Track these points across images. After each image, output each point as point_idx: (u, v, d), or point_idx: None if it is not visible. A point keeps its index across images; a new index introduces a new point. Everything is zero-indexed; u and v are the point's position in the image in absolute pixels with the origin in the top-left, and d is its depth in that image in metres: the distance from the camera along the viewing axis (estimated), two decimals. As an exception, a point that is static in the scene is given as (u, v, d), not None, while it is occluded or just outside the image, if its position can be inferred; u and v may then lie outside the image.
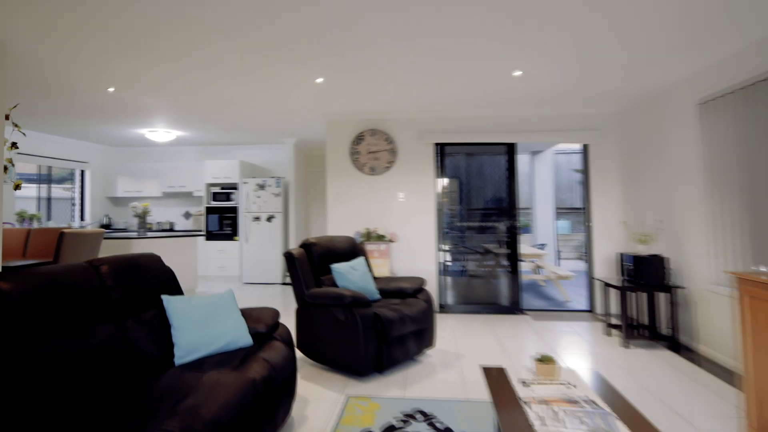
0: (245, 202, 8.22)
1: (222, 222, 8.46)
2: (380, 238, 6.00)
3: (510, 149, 6.20)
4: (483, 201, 6.52)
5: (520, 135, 6.05)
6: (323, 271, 4.30)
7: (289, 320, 5.08)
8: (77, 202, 8.68)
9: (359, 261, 4.39)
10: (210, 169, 8.55)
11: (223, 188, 8.56)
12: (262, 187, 8.20)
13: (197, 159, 9.24)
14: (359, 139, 6.22)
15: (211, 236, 8.47)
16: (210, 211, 8.51)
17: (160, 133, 7.35)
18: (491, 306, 6.28)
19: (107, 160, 9.14)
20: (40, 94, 5.23)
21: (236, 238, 8.42)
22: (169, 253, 6.76)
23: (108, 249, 6.61)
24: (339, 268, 4.17)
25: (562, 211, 13.67)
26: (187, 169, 8.87)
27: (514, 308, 6.20)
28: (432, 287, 6.15)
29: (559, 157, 13.01)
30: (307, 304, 3.98)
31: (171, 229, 8.85)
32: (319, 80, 4.56)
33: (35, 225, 7.42)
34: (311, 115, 6.27)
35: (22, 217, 7.27)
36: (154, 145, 9.02)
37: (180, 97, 5.31)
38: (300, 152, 8.71)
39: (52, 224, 7.72)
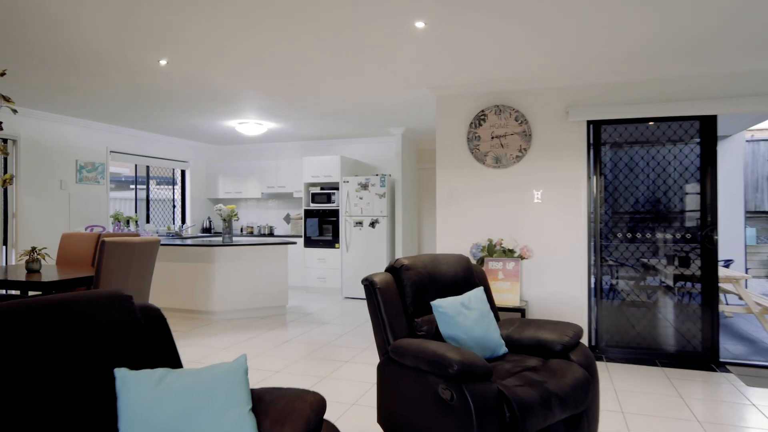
0: (346, 203, 7.10)
1: (322, 227, 7.43)
2: (508, 253, 4.39)
3: (706, 126, 4.20)
4: (653, 202, 4.58)
5: (726, 103, 4.03)
6: (420, 308, 2.86)
7: (368, 373, 3.72)
8: (178, 203, 8.28)
9: (476, 295, 2.87)
10: (309, 166, 7.58)
11: (322, 188, 7.54)
12: (364, 186, 7.01)
13: (297, 156, 8.37)
14: (480, 119, 4.68)
15: (309, 243, 7.49)
16: (309, 214, 7.53)
17: (251, 126, 6.50)
18: (669, 354, 4.34)
19: (207, 160, 8.65)
20: (97, 78, 4.51)
21: (337, 245, 7.34)
22: (257, 262, 5.83)
23: (182, 257, 5.86)
24: (444, 307, 2.70)
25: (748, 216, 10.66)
26: (287, 167, 8.02)
27: (708, 359, 4.20)
28: (580, 320, 4.39)
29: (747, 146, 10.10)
30: (391, 361, 2.58)
31: (271, 234, 8.06)
32: (420, 24, 3.14)
33: (131, 228, 6.98)
34: (415, 93, 4.87)
35: (117, 219, 6.87)
36: (252, 143, 8.33)
37: (259, 73, 4.25)
38: (410, 144, 7.37)
39: (150, 227, 7.30)
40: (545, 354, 2.75)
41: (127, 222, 6.97)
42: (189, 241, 5.85)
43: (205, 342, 4.78)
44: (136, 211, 7.40)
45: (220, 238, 7.98)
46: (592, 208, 4.44)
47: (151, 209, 7.74)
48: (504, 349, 2.79)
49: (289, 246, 6.48)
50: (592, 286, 4.44)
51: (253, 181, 8.23)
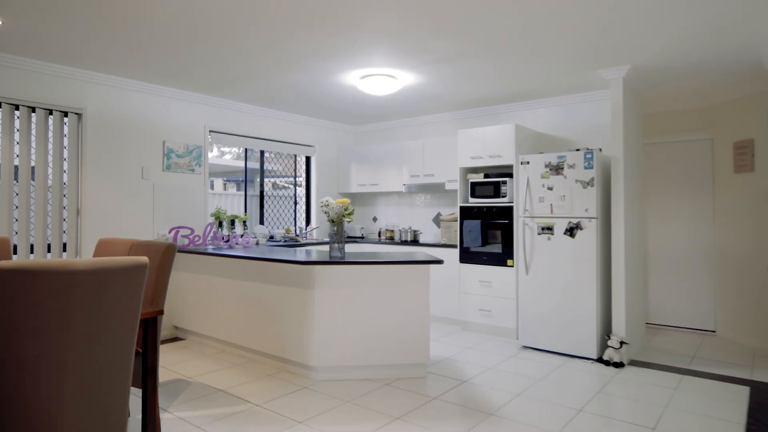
0: (525, 197, 4.53)
1: (486, 232, 4.97)
2: None
3: None
4: None
5: None
6: None
7: None
8: (302, 199, 6.54)
9: None
10: (467, 142, 5.17)
11: (487, 175, 5.06)
12: (556, 168, 4.36)
13: (449, 130, 6.01)
14: None
15: (468, 256, 5.08)
16: (466, 213, 5.12)
17: (379, 81, 4.33)
18: None
19: (338, 144, 6.76)
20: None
21: (510, 262, 4.80)
22: (380, 290, 3.63)
23: (265, 276, 3.92)
24: None
25: None
26: (434, 148, 5.71)
27: None
28: None
29: None
30: None
31: (415, 240, 5.84)
32: None
33: (237, 230, 5.34)
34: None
35: (218, 218, 5.28)
36: (390, 118, 6.19)
37: None
38: (634, 100, 4.50)
39: (261, 230, 5.63)
40: None
41: (232, 223, 5.37)
42: (278, 254, 3.86)
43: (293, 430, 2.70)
44: (245, 210, 5.80)
45: (356, 245, 6.02)
46: None
47: (266, 207, 6.10)
48: None
49: (435, 264, 4.03)
50: None
51: (392, 169, 6.11)
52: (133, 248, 3.06)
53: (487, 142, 5.02)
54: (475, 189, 5.08)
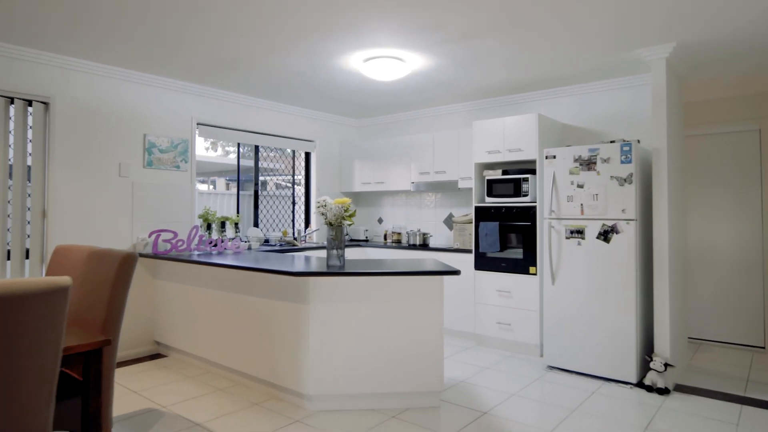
0: (551, 196, 3.98)
1: (505, 236, 4.43)
2: None
3: None
4: None
5: None
6: None
7: None
8: (301, 199, 6.02)
9: None
10: (483, 134, 4.63)
11: (506, 171, 4.52)
12: (587, 163, 3.81)
13: (462, 123, 5.47)
14: None
15: (484, 262, 4.54)
16: (482, 214, 4.58)
17: (385, 64, 3.80)
18: None
19: (340, 138, 6.24)
20: None
21: (533, 269, 4.25)
22: (385, 305, 3.10)
23: (252, 288, 3.43)
24: None
25: None
26: (446, 142, 5.17)
27: None
28: None
29: None
30: None
31: (424, 244, 5.30)
32: None
33: (228, 233, 4.85)
34: None
35: (206, 221, 4.77)
36: (397, 110, 5.66)
37: None
38: (677, 84, 3.93)
39: (254, 233, 5.12)
40: None
41: (222, 225, 4.86)
42: (267, 263, 3.33)
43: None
44: (237, 211, 5.28)
45: (359, 248, 5.49)
46: None
47: (261, 208, 5.59)
48: None
49: (450, 276, 3.46)
50: None
51: (399, 166, 5.57)
52: (89, 258, 2.55)
53: (507, 135, 4.47)
54: (493, 187, 4.54)
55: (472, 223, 4.78)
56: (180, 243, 4.20)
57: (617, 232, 3.65)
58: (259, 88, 4.79)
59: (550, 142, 4.51)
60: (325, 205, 3.26)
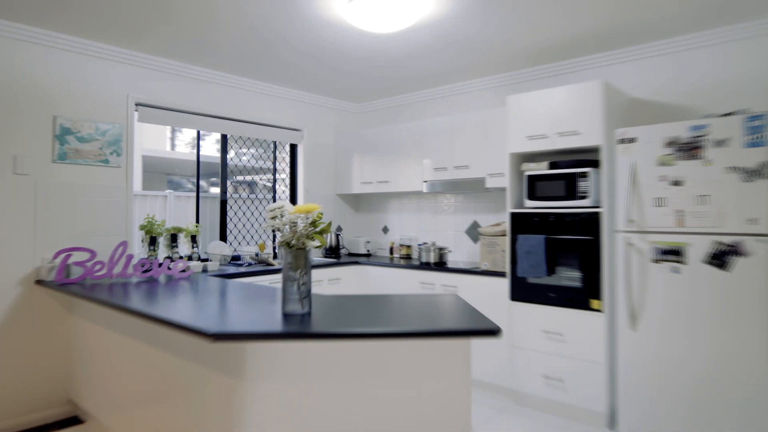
0: (627, 198, 2.69)
1: (554, 255, 3.14)
2: None
3: None
4: None
5: None
6: None
7: None
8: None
9: None
10: (520, 114, 3.35)
11: (555, 164, 3.24)
12: (688, 148, 2.51)
13: (492, 101, 4.19)
14: None
15: (524, 290, 3.26)
16: (521, 223, 3.30)
17: (376, 4, 2.56)
18: None
19: (334, 126, 5.00)
20: None
21: (596, 303, 2.96)
22: (376, 385, 1.85)
23: (158, 335, 2.21)
24: None
25: None
26: (471, 126, 3.90)
27: None
28: None
29: None
30: None
31: (440, 262, 4.03)
32: None
33: (182, 250, 3.67)
34: None
35: (149, 233, 3.58)
36: (407, 89, 4.39)
37: None
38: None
39: (218, 248, 3.92)
40: None
41: (173, 238, 3.67)
42: (170, 310, 2.08)
43: None
44: (197, 220, 4.08)
45: (358, 267, 4.23)
46: None
47: (232, 215, 4.39)
48: None
49: (480, 335, 2.18)
50: None
51: (409, 160, 4.32)
52: None
53: (556, 113, 3.19)
54: (536, 186, 3.26)
55: (506, 235, 3.51)
56: (97, 266, 3.00)
57: (742, 255, 2.35)
58: (224, 58, 3.58)
59: (621, 119, 3.22)
60: (282, 216, 2.03)
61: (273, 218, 2.05)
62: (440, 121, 4.09)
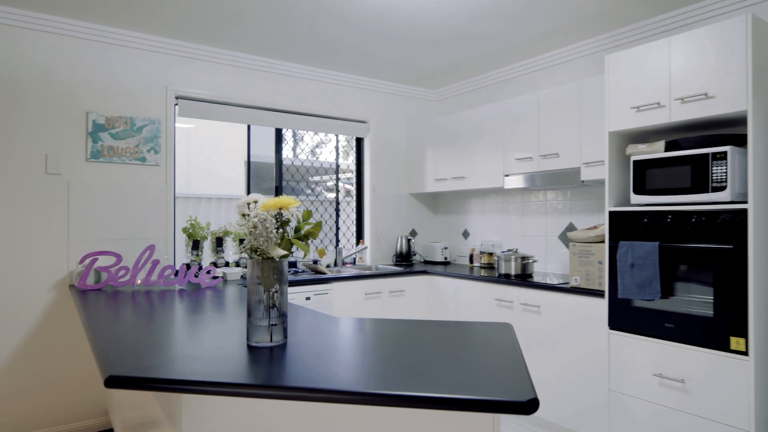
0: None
1: (672, 270, 2.24)
2: None
3: None
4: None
5: None
6: None
7: None
8: (350, 204, 4.33)
9: None
10: (623, 79, 2.48)
11: (674, 143, 2.33)
12: None
13: (585, 69, 3.29)
14: None
15: (626, 317, 2.40)
16: (623, 226, 2.44)
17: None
18: None
19: (407, 116, 4.40)
20: None
21: (737, 343, 2.02)
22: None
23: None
24: None
25: None
26: (560, 102, 3.08)
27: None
28: None
29: None
30: None
31: (524, 273, 3.25)
32: None
33: (227, 255, 3.36)
34: None
35: (190, 236, 3.31)
36: (488, 68, 3.64)
37: None
38: None
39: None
40: None
41: (218, 242, 3.37)
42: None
43: None
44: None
45: (430, 277, 3.61)
46: None
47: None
48: None
49: (506, 411, 1.52)
50: None
51: (486, 152, 3.59)
52: None
53: (675, 70, 2.29)
54: (647, 175, 2.38)
55: (604, 242, 2.65)
56: (121, 272, 2.76)
57: None
58: (275, 43, 3.21)
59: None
60: (250, 213, 1.51)
61: (243, 215, 1.55)
62: (522, 99, 3.31)
